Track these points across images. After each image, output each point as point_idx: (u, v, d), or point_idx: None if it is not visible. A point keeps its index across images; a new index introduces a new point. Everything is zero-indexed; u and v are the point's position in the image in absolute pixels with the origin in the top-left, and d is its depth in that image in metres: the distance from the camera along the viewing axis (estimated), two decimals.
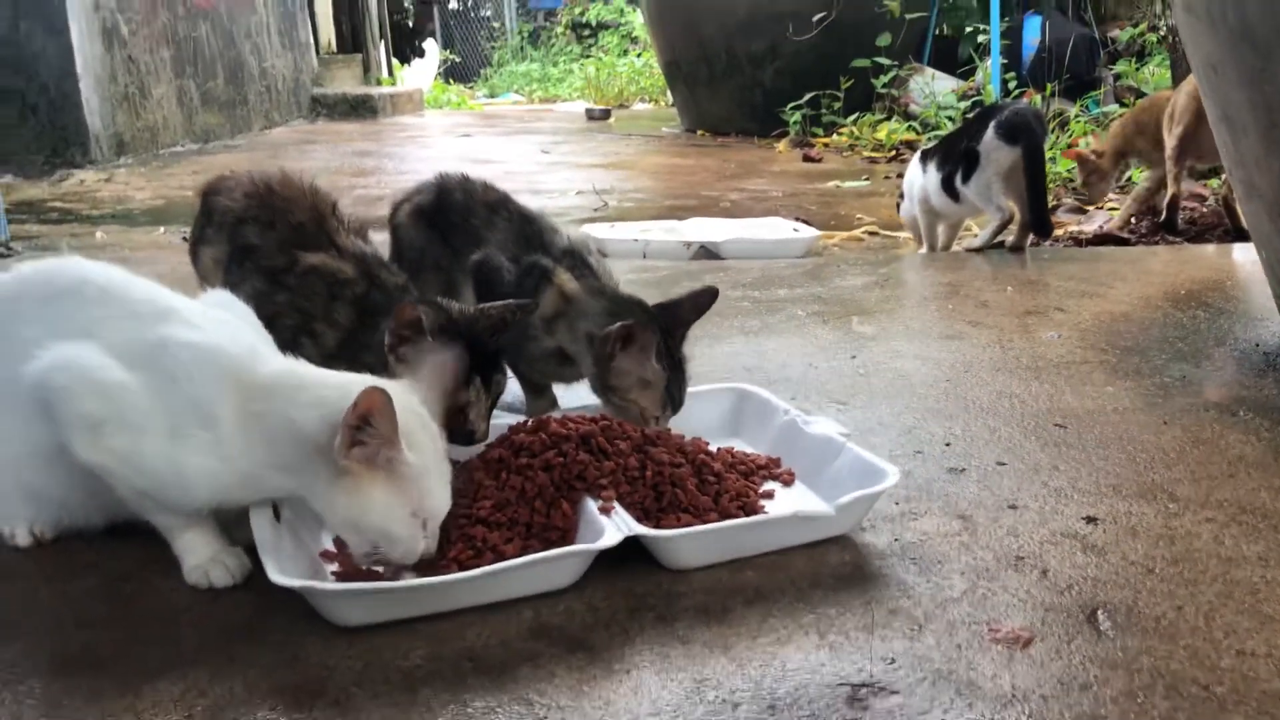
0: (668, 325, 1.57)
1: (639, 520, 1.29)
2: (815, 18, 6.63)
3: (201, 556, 1.25)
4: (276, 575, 1.12)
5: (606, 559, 1.24)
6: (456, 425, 1.40)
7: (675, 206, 4.46)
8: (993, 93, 6.09)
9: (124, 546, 1.33)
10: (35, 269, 1.35)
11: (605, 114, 9.46)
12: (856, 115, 6.72)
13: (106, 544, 1.34)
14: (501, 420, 1.52)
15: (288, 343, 1.33)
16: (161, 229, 3.97)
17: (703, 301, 1.61)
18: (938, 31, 7.45)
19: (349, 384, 1.17)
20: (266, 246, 1.55)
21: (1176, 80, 5.27)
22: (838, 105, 6.77)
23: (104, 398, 1.17)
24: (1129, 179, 4.59)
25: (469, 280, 1.77)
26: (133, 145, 5.90)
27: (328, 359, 1.43)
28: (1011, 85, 6.29)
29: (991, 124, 3.05)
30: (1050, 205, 3.53)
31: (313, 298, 1.49)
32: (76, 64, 5.29)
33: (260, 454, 1.18)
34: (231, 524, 1.28)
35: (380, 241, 1.74)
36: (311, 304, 1.49)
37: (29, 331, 1.23)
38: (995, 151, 3.04)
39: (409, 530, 1.16)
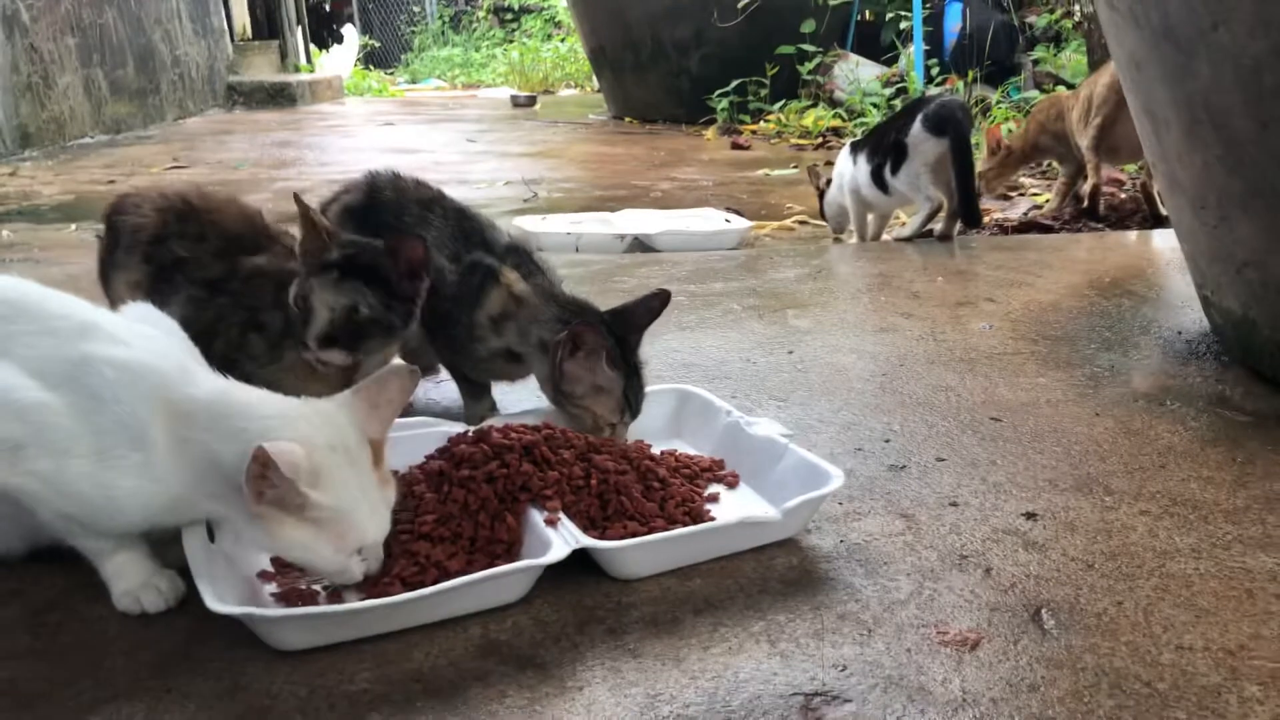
0: (622, 331, 1.55)
1: (585, 530, 1.28)
2: (740, 4, 6.64)
3: (132, 581, 1.20)
4: (214, 602, 1.08)
5: (553, 570, 1.22)
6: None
7: (606, 197, 4.44)
8: (916, 79, 6.18)
9: (47, 573, 1.27)
10: None
11: (531, 100, 9.38)
12: (783, 102, 6.76)
13: (28, 571, 1.28)
14: (441, 429, 1.49)
15: (234, 343, 1.29)
16: (73, 226, 3.82)
17: (655, 305, 1.59)
18: (860, 18, 7.52)
19: (270, 417, 1.12)
20: (199, 258, 1.50)
21: (1093, 65, 5.39)
22: (764, 92, 6.81)
23: (23, 420, 1.11)
24: (1048, 165, 4.70)
25: None
26: (38, 138, 5.68)
27: (274, 343, 1.41)
28: (935, 72, 6.38)
29: (919, 117, 3.08)
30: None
31: (261, 293, 1.47)
32: None
33: (189, 478, 1.13)
34: (163, 544, 1.23)
35: None
36: (259, 299, 1.46)
37: None
38: (923, 144, 3.07)
39: (335, 564, 1.12)
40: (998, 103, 5.52)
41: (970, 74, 5.85)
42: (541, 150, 6.16)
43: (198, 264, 1.51)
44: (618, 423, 1.53)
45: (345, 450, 1.13)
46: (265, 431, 1.08)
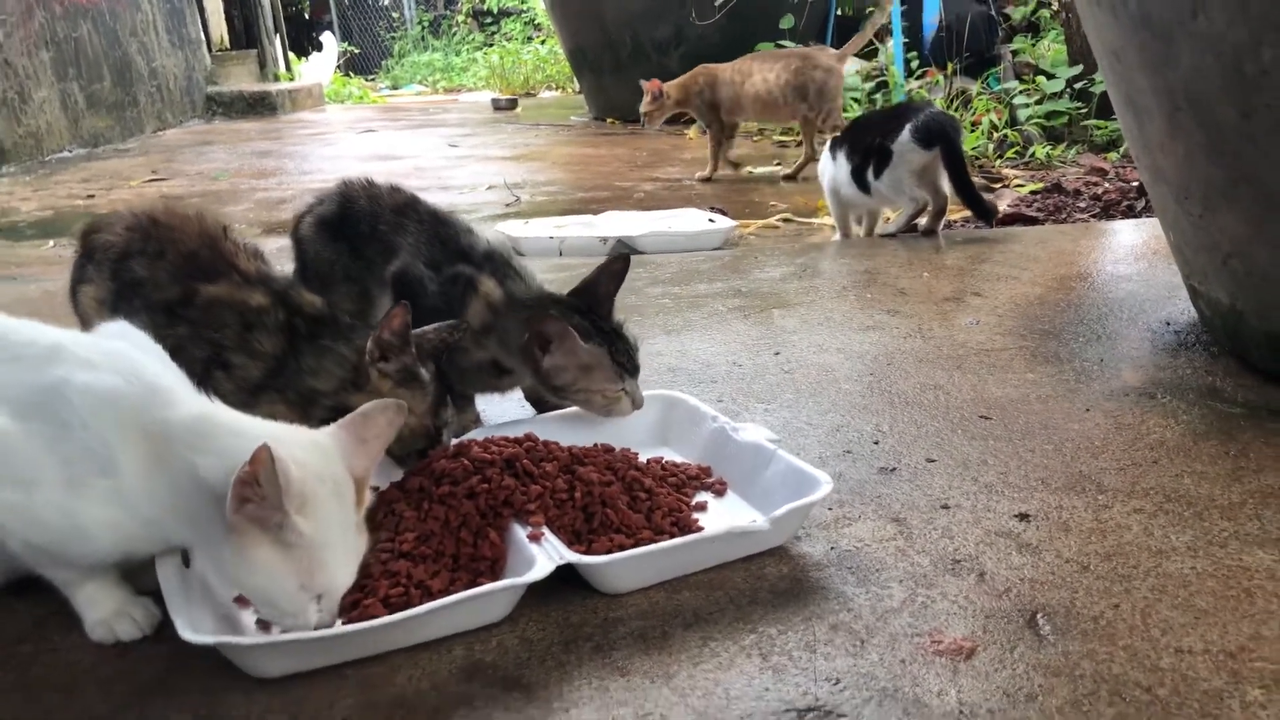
0: (589, 304, 1.56)
1: (570, 544, 1.25)
2: (718, 1, 6.61)
3: (105, 610, 1.17)
4: (188, 633, 1.05)
5: (539, 586, 1.19)
6: (427, 446, 1.40)
7: (589, 199, 4.41)
8: (896, 73, 6.16)
9: (20, 603, 1.24)
10: None
11: (512, 103, 9.34)
12: None
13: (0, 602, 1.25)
14: None
15: (198, 377, 1.24)
16: (50, 242, 3.78)
17: (616, 268, 1.60)
18: (839, 13, 7.50)
19: (261, 436, 1.06)
20: (156, 278, 1.45)
21: (1072, 55, 5.39)
22: None
23: None
24: (1032, 154, 4.69)
25: (386, 292, 1.71)
26: (15, 153, 5.62)
27: (251, 393, 1.35)
28: (914, 65, 6.37)
29: (908, 126, 3.05)
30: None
31: (223, 329, 1.40)
32: None
33: (165, 502, 1.09)
34: (136, 571, 1.20)
35: (282, 250, 1.66)
36: (223, 334, 1.39)
37: None
38: (910, 153, 3.05)
39: (294, 604, 1.06)
40: (978, 94, 5.50)
41: (950, 66, 5.83)
42: (524, 153, 6.13)
43: (155, 285, 1.45)
44: (621, 385, 1.53)
45: (333, 483, 1.09)
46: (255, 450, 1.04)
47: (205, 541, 1.09)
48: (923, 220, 3.23)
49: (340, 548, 1.08)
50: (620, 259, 1.62)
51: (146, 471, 1.10)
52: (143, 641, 1.17)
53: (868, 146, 3.16)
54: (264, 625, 1.16)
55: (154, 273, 1.45)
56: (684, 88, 4.96)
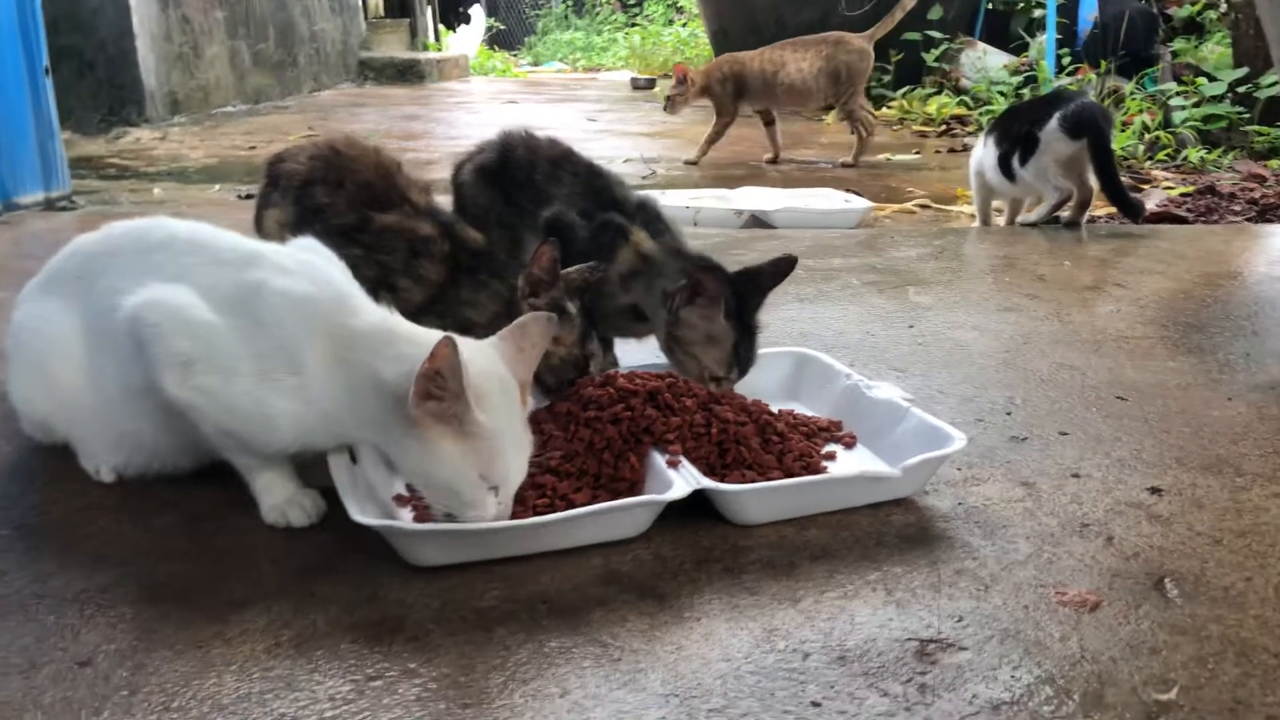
0: (745, 290, 1.57)
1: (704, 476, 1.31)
2: None
3: (279, 497, 1.28)
4: (358, 515, 1.15)
5: (671, 512, 1.26)
6: (576, 375, 1.47)
7: (723, 176, 4.45)
8: (1047, 69, 6.00)
9: (199, 487, 1.37)
10: (125, 227, 1.39)
11: (650, 83, 9.41)
12: (906, 89, 6.66)
13: (185, 485, 1.37)
14: None
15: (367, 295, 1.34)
16: (216, 187, 4.02)
17: (782, 268, 1.60)
18: (990, 6, 7.33)
19: (435, 341, 1.14)
20: (335, 205, 1.57)
21: (1238, 58, 5.18)
22: (887, 78, 6.70)
23: (194, 337, 1.20)
24: (1184, 157, 4.53)
25: (537, 239, 1.79)
26: (186, 104, 5.96)
27: (413, 315, 1.45)
28: (1065, 61, 6.20)
29: (1056, 115, 3.00)
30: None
31: (393, 253, 1.51)
32: (133, 22, 5.34)
33: (343, 401, 1.20)
34: (306, 467, 1.31)
35: (442, 202, 1.76)
36: (392, 259, 1.51)
37: (124, 284, 1.27)
38: (1056, 142, 3.00)
39: (475, 492, 1.15)
40: (1131, 94, 5.33)
41: (1104, 64, 5.66)
42: (660, 130, 6.19)
43: (334, 211, 1.58)
44: (723, 377, 1.55)
45: (500, 382, 1.18)
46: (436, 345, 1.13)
47: (382, 438, 1.19)
48: (1066, 212, 3.18)
49: (513, 441, 1.17)
50: (788, 259, 1.60)
51: (329, 371, 1.20)
52: (309, 530, 1.28)
53: (1016, 134, 3.13)
54: (419, 522, 1.26)
55: (333, 200, 1.57)
56: (707, 75, 4.83)
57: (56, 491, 1.38)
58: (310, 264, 1.28)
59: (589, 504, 1.24)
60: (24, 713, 0.95)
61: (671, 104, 4.90)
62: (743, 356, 1.57)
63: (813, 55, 4.73)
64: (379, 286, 1.51)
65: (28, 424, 1.45)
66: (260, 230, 1.69)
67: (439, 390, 1.11)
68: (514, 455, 1.17)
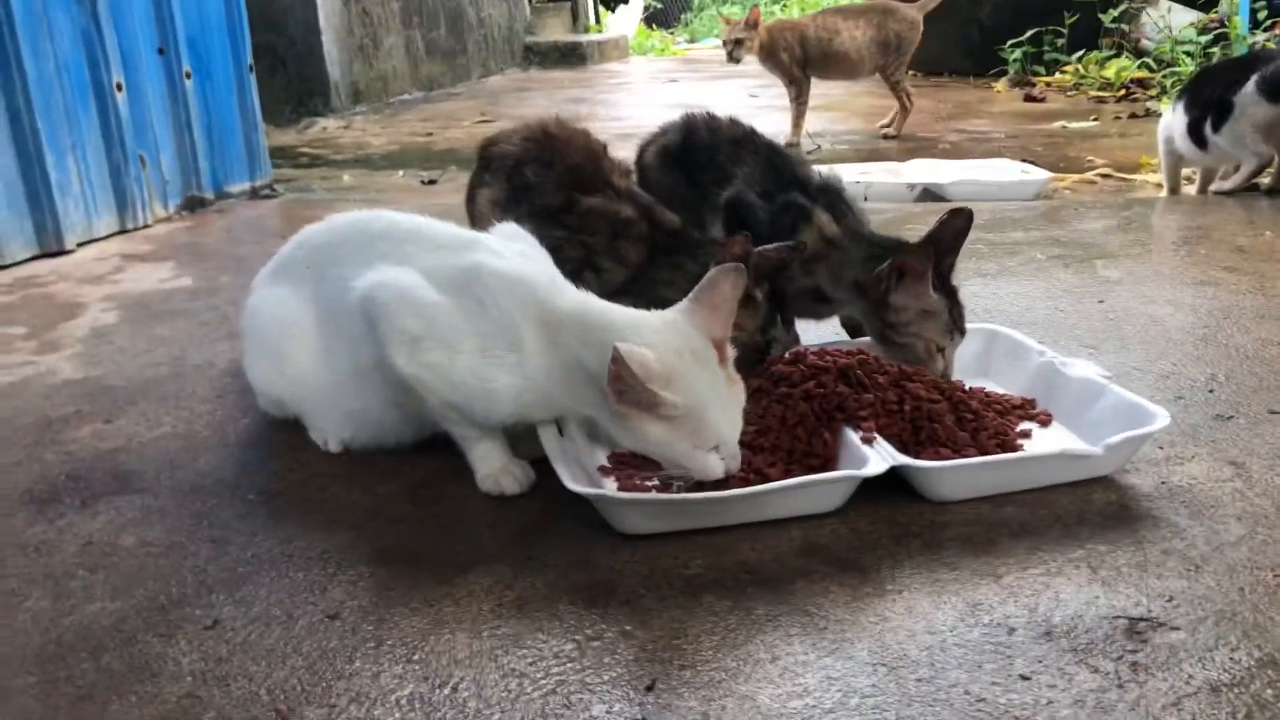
0: (936, 256, 1.56)
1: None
2: None
3: (493, 466, 1.37)
4: (570, 483, 1.23)
5: (864, 489, 1.28)
6: (755, 360, 1.50)
7: (891, 149, 4.38)
8: (1240, 25, 5.63)
9: (419, 459, 1.47)
10: (348, 218, 1.51)
11: None
12: (1081, 52, 6.36)
13: (403, 457, 1.48)
14: None
15: (571, 275, 1.41)
16: (400, 173, 4.22)
17: (960, 225, 1.56)
18: None
19: (625, 329, 1.22)
20: (543, 185, 1.64)
21: None
22: (1061, 42, 6.42)
23: (421, 316, 1.30)
24: None
25: (717, 219, 1.83)
26: (366, 94, 6.26)
27: (612, 295, 1.52)
28: (1262, 17, 5.79)
29: (1254, 78, 2.84)
30: None
31: (596, 235, 1.59)
32: (320, 18, 5.64)
33: (559, 377, 1.27)
34: (517, 440, 1.40)
35: None
36: (595, 240, 1.58)
37: (353, 270, 1.37)
38: (1254, 106, 2.84)
39: (694, 460, 1.20)
40: None
41: None
42: (823, 103, 6.12)
43: (541, 191, 1.66)
44: (948, 345, 1.56)
45: (692, 354, 1.22)
46: (620, 340, 1.19)
47: (597, 413, 1.26)
48: (1266, 179, 3.00)
49: (716, 404, 1.21)
50: (964, 213, 1.57)
51: (543, 350, 1.28)
52: (519, 498, 1.36)
53: (1208, 99, 2.97)
54: (623, 491, 1.32)
55: (542, 179, 1.65)
56: (771, 34, 4.58)
57: (291, 461, 1.51)
58: (519, 250, 1.36)
59: (782, 478, 1.28)
60: (287, 659, 1.06)
61: (737, 48, 4.57)
62: (959, 320, 1.57)
63: (864, 24, 4.58)
64: (583, 267, 1.59)
65: (264, 400, 1.59)
66: (472, 208, 1.79)
67: (628, 386, 1.16)
68: (721, 417, 1.21)
